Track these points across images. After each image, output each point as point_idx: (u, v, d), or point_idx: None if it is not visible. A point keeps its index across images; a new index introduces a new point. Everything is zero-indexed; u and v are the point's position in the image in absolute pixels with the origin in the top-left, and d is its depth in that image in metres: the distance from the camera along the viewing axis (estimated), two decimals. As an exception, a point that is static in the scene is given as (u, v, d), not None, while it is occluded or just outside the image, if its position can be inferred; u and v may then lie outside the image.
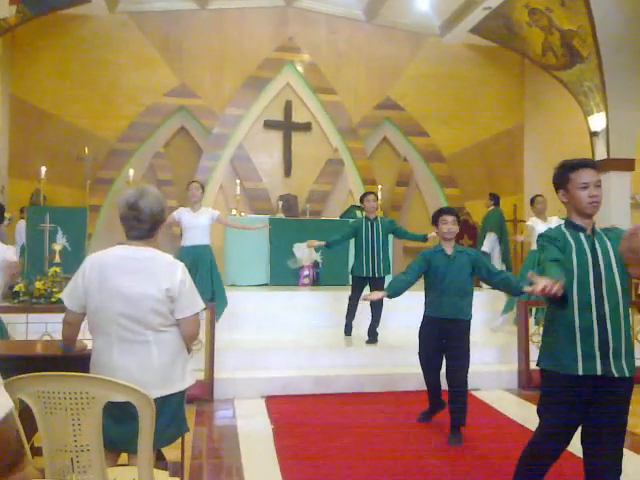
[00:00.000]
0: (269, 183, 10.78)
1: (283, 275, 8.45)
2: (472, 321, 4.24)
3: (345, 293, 6.47)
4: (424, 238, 6.28)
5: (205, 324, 5.17)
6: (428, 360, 4.32)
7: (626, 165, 8.93)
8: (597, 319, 2.42)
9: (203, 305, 2.60)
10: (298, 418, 4.66)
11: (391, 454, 3.91)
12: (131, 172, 8.61)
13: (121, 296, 2.38)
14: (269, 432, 4.33)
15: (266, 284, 8.44)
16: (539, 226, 6.61)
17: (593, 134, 9.28)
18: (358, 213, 9.36)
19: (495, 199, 9.13)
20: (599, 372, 2.40)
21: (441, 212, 4.30)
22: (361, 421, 4.58)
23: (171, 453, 3.23)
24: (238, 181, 9.82)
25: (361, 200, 6.43)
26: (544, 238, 2.58)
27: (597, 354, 2.41)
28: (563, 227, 2.58)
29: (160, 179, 10.43)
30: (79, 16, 9.93)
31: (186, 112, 10.60)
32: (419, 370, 4.41)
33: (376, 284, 6.17)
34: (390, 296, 4.15)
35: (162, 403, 2.41)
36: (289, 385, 5.29)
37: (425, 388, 4.47)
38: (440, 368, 4.31)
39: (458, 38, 11.13)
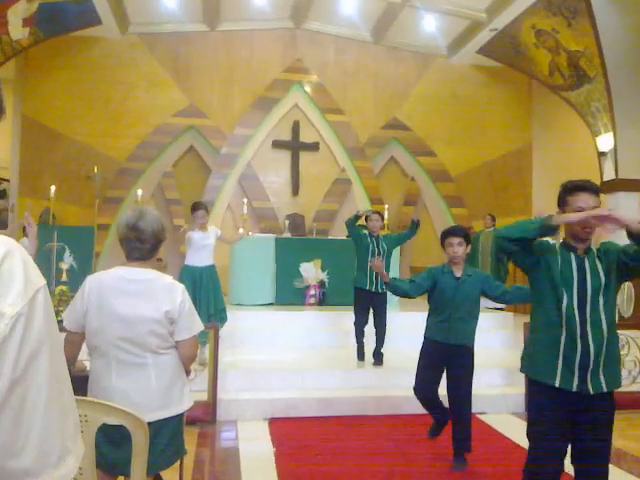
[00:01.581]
0: (277, 202, 10.82)
1: (289, 295, 8.42)
2: (480, 343, 4.18)
3: (352, 313, 6.40)
4: (415, 224, 6.30)
5: (209, 345, 5.16)
6: (424, 385, 4.15)
7: (634, 185, 8.88)
8: (580, 337, 2.45)
9: (202, 327, 2.58)
10: (300, 441, 4.61)
11: (394, 478, 3.85)
12: (140, 191, 8.66)
13: (120, 318, 2.38)
14: (271, 455, 4.29)
15: (272, 303, 8.42)
16: None
17: (601, 154, 9.25)
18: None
19: (494, 220, 9.23)
20: (574, 389, 2.45)
21: (447, 233, 4.10)
22: (364, 444, 4.53)
23: (170, 476, 3.21)
24: (246, 200, 9.84)
25: (366, 219, 6.43)
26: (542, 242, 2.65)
27: (576, 372, 2.45)
28: (558, 245, 2.61)
29: (169, 198, 10.51)
30: (90, 38, 10.09)
31: (195, 132, 10.69)
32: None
33: (378, 299, 6.11)
34: (388, 285, 4.12)
35: (160, 426, 2.39)
36: (292, 407, 5.24)
37: (424, 411, 4.35)
38: (436, 392, 4.15)
39: (465, 59, 11.19)
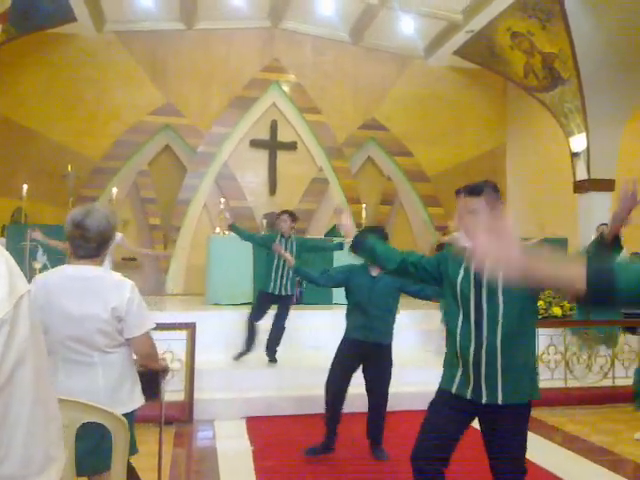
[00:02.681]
0: (254, 202, 10.79)
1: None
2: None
3: (329, 312, 6.43)
4: (340, 246, 6.09)
5: (185, 344, 5.14)
6: (340, 385, 4.11)
7: (606, 185, 9.05)
8: (475, 346, 2.44)
9: (154, 324, 2.52)
10: (278, 439, 4.61)
11: (373, 475, 3.88)
12: (114, 190, 8.58)
13: (67, 317, 2.34)
14: (249, 453, 4.29)
15: (250, 303, 8.37)
16: None
17: (574, 155, 9.42)
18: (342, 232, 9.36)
19: None
20: (468, 396, 2.46)
21: None
22: (342, 441, 4.54)
23: (149, 475, 3.19)
24: (223, 200, 9.81)
25: (278, 218, 6.24)
26: (443, 252, 2.67)
27: (471, 379, 2.46)
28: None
29: (144, 197, 10.42)
30: (66, 35, 9.96)
31: (171, 130, 10.62)
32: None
33: (283, 302, 6.05)
34: (295, 270, 4.37)
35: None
36: (270, 406, 5.25)
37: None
38: (345, 395, 4.13)
39: (442, 60, 11.29)
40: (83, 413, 1.99)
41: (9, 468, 0.82)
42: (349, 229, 2.79)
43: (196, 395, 5.09)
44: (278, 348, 6.12)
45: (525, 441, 2.49)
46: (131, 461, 2.64)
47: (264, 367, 5.92)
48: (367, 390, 4.18)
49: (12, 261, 0.84)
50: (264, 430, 4.82)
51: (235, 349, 6.49)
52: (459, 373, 2.50)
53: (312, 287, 8.46)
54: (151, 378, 2.92)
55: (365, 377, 4.15)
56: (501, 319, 2.40)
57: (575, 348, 6.37)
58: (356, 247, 2.71)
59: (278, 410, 5.22)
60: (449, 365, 2.58)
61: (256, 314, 6.09)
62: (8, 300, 0.80)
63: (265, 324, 6.14)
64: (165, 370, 2.95)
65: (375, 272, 3.98)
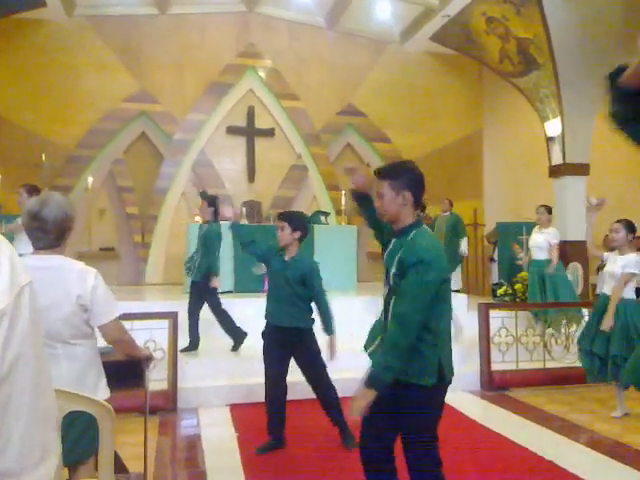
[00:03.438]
0: (232, 189, 10.72)
1: (248, 282, 8.36)
2: None
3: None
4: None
5: (167, 333, 5.11)
6: (275, 371, 4.08)
7: (581, 170, 9.16)
8: (383, 322, 2.51)
9: (120, 311, 2.51)
10: (263, 425, 4.61)
11: (352, 459, 3.91)
12: (90, 179, 8.46)
13: None
14: (234, 440, 4.30)
15: (230, 291, 8.36)
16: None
17: (549, 139, 9.50)
18: (322, 219, 9.38)
19: (452, 204, 9.44)
20: None
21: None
22: (327, 427, 4.57)
23: (134, 464, 3.18)
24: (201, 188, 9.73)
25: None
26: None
27: None
28: None
29: (120, 186, 10.28)
30: (35, 20, 9.72)
31: (146, 118, 10.46)
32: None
33: (196, 288, 5.99)
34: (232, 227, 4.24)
35: (72, 417, 2.29)
36: (254, 392, 5.23)
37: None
38: (284, 384, 4.11)
39: (418, 45, 11.29)
40: (68, 402, 1.97)
41: (6, 462, 0.81)
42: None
43: (179, 384, 5.07)
44: (237, 328, 6.02)
45: (417, 425, 2.44)
46: (116, 450, 2.63)
47: (246, 354, 5.90)
48: (305, 378, 4.15)
49: (13, 251, 0.83)
50: (248, 417, 4.83)
51: (217, 337, 6.48)
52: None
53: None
54: (135, 366, 2.91)
55: (298, 365, 4.13)
56: (392, 299, 2.43)
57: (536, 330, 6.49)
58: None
59: (261, 397, 5.21)
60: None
61: (190, 306, 6.02)
62: (9, 292, 0.79)
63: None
64: (148, 358, 2.94)
65: (288, 257, 4.00)
